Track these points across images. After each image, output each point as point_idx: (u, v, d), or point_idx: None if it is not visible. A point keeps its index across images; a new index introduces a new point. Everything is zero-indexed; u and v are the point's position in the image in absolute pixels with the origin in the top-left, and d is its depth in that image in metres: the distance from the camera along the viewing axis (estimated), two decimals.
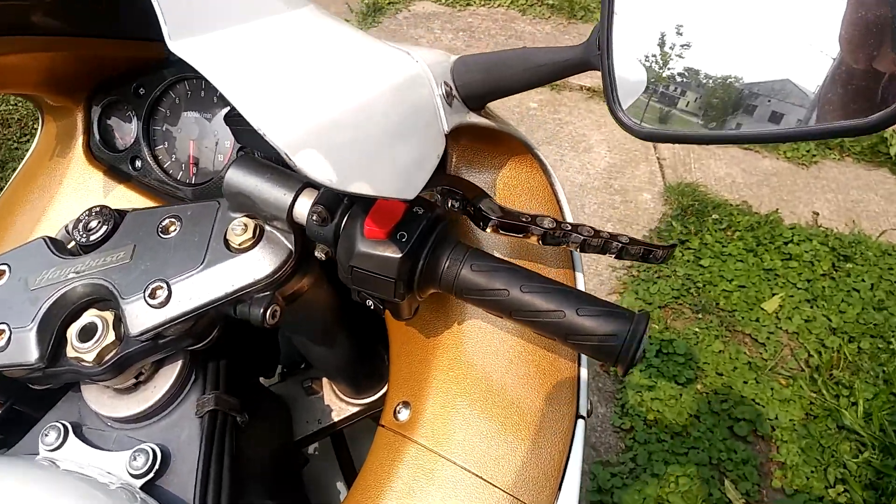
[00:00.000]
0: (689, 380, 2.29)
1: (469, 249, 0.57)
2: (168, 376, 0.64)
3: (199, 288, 0.58)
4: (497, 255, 0.71)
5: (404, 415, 0.67)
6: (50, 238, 0.65)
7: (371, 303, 0.58)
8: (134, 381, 0.64)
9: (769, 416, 2.20)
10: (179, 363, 0.65)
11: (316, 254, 0.59)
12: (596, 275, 2.61)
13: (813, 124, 0.49)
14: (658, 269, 2.59)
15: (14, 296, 0.60)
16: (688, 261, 2.64)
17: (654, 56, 0.56)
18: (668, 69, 0.56)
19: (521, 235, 0.64)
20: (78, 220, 0.64)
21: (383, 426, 0.68)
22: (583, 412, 0.68)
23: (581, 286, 0.72)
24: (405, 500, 0.63)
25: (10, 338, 0.58)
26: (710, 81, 0.55)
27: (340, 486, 0.97)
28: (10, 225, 0.88)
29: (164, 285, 0.58)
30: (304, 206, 0.57)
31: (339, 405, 0.89)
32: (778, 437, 2.15)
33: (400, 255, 0.54)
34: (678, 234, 2.72)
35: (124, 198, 0.82)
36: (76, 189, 0.87)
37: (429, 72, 0.61)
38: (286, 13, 0.53)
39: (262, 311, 0.59)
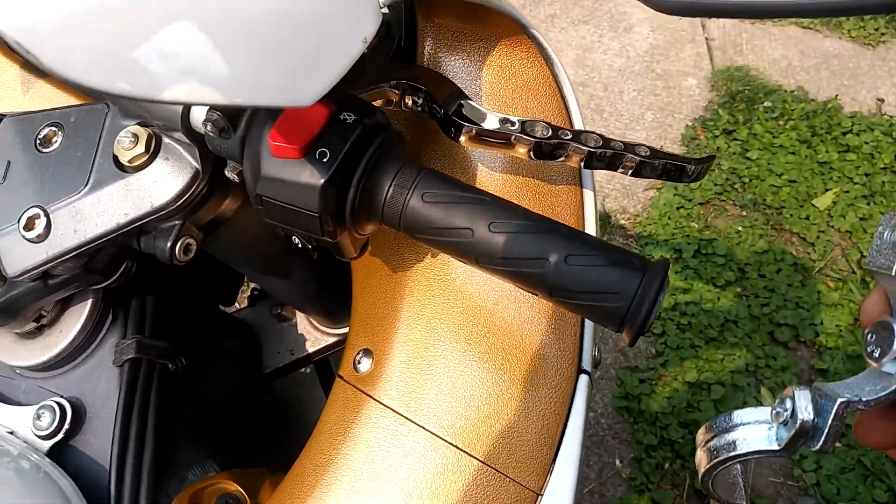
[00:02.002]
0: (729, 282, 2.15)
1: (421, 172, 0.43)
2: (76, 318, 0.54)
3: (84, 217, 0.46)
4: (468, 177, 0.56)
5: (365, 366, 0.56)
6: None
7: (298, 241, 0.45)
8: (35, 324, 0.53)
9: (814, 320, 2.05)
10: (90, 302, 0.54)
11: (227, 173, 0.46)
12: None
13: None
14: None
15: None
16: (734, 153, 2.42)
17: None
18: None
19: (504, 146, 0.49)
20: None
21: (341, 377, 0.57)
22: (587, 366, 0.56)
23: (590, 221, 0.57)
24: (363, 468, 0.52)
25: None
26: None
27: None
28: None
29: (42, 213, 0.46)
30: (201, 112, 0.43)
31: (314, 335, 0.79)
32: (822, 342, 2.02)
33: (321, 182, 0.40)
34: (724, 123, 2.49)
35: (46, 96, 0.69)
36: None
37: None
38: None
39: (168, 244, 0.47)
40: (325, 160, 0.40)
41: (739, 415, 0.33)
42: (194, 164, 0.46)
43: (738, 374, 1.97)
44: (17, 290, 0.49)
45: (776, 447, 0.32)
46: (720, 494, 0.37)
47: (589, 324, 0.56)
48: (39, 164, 0.48)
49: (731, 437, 0.33)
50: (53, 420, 0.51)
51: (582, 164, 0.49)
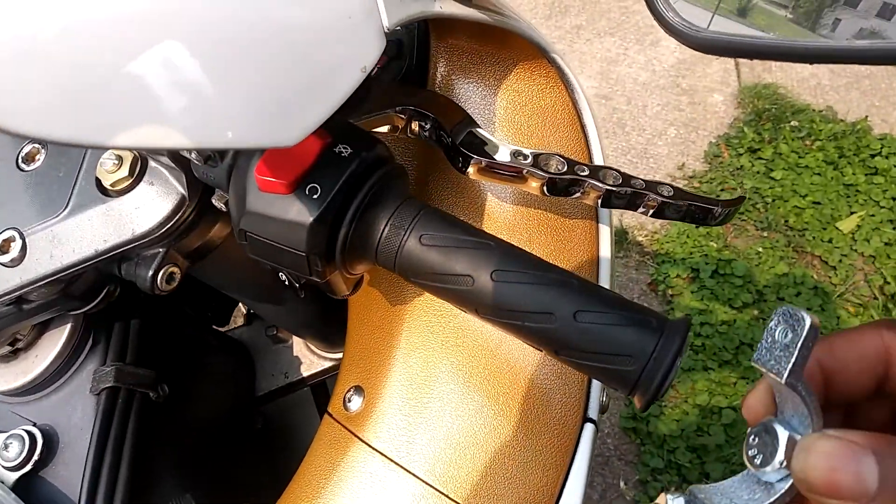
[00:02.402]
0: (746, 304, 2.09)
1: (421, 211, 0.40)
2: (53, 343, 0.51)
3: (61, 242, 0.43)
4: (476, 208, 0.53)
5: (356, 404, 0.53)
6: None
7: (284, 277, 0.42)
8: (10, 348, 0.50)
9: None
10: (68, 327, 0.51)
11: (214, 202, 0.43)
12: None
13: None
14: (722, 180, 2.34)
15: None
16: (758, 172, 2.37)
17: None
18: None
19: (515, 179, 0.46)
20: None
21: (330, 415, 0.54)
22: (593, 414, 0.52)
23: (605, 262, 0.54)
24: None
25: None
26: None
27: None
28: None
29: (17, 236, 0.43)
30: None
31: (310, 358, 0.76)
32: None
33: (310, 220, 0.37)
34: (749, 141, 2.43)
35: None
36: None
37: None
38: None
39: (150, 273, 0.44)
40: (315, 196, 0.37)
41: None
42: (180, 189, 0.43)
43: None
44: None
45: None
46: None
47: None
48: (19, 183, 0.45)
49: None
50: (22, 451, 0.48)
51: (599, 202, 0.45)
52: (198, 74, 0.24)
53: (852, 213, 2.27)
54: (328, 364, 0.75)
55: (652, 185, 0.44)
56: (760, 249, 2.21)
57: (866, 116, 2.49)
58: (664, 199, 0.44)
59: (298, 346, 0.76)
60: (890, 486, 0.24)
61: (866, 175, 2.35)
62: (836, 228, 2.25)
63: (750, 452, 0.29)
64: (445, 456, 0.49)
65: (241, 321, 0.79)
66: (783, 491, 0.27)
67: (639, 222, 2.25)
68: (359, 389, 0.53)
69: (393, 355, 0.52)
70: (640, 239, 2.23)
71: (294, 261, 0.38)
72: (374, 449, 0.50)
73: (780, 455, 0.27)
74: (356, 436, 0.51)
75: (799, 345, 0.27)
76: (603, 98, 2.64)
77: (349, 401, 0.53)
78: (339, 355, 0.75)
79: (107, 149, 0.24)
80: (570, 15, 2.95)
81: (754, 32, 0.36)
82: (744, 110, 2.56)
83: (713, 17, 0.38)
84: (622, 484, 1.84)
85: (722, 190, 2.31)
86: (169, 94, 0.23)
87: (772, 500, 0.28)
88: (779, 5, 0.46)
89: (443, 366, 0.51)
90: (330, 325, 0.69)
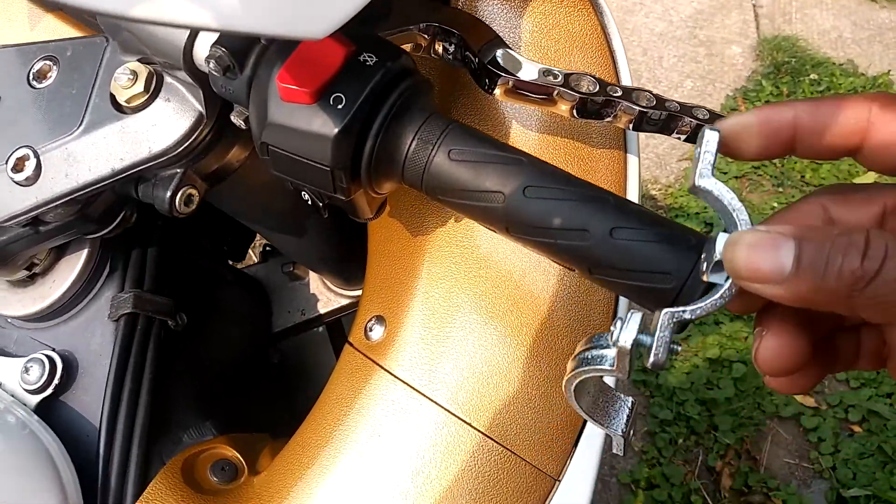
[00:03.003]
0: None
1: (449, 125, 0.38)
2: (70, 268, 0.50)
3: (76, 160, 0.42)
4: (500, 134, 0.51)
5: (377, 333, 0.52)
6: None
7: (307, 197, 0.41)
8: (27, 272, 0.50)
9: None
10: (85, 252, 0.51)
11: (233, 118, 0.41)
12: (649, 136, 2.34)
13: None
14: None
15: None
16: None
17: None
18: None
19: (545, 101, 0.44)
20: None
21: (351, 344, 0.53)
22: None
23: (633, 190, 0.52)
24: (370, 442, 0.49)
25: None
26: None
27: None
28: None
29: (32, 154, 0.42)
30: (206, 48, 0.38)
31: (326, 295, 0.75)
32: None
33: (334, 131, 0.35)
34: (767, 94, 2.39)
35: (53, 31, 0.65)
36: None
37: None
38: None
39: (168, 194, 0.43)
40: (340, 107, 0.35)
41: (603, 335, 0.33)
42: (198, 106, 0.42)
43: None
44: (5, 236, 0.45)
45: (608, 367, 0.32)
46: (581, 405, 0.37)
47: (623, 303, 0.51)
48: (31, 101, 0.44)
49: (586, 354, 0.33)
50: (42, 374, 0.48)
51: (630, 125, 0.44)
52: None
53: (868, 172, 2.23)
54: (345, 301, 0.75)
55: (687, 108, 0.43)
56: (775, 205, 2.19)
57: (888, 71, 2.44)
58: (699, 122, 0.42)
59: (315, 282, 0.75)
60: (804, 267, 0.26)
61: None
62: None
63: (703, 267, 0.32)
64: (468, 385, 0.49)
65: (256, 259, 0.79)
66: (725, 287, 0.30)
67: (652, 175, 2.23)
68: (380, 319, 0.52)
69: (415, 285, 0.52)
70: (654, 193, 2.21)
71: (318, 176, 0.37)
72: (396, 377, 0.50)
73: (717, 255, 0.30)
74: (378, 364, 0.50)
75: (701, 152, 0.31)
76: None
77: (370, 330, 0.52)
78: (357, 292, 0.74)
79: (126, 19, 0.22)
80: None
81: None
82: (762, 63, 2.50)
83: None
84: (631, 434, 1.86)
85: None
86: None
87: (716, 296, 0.30)
88: None
89: (465, 296, 0.51)
90: (348, 260, 0.68)
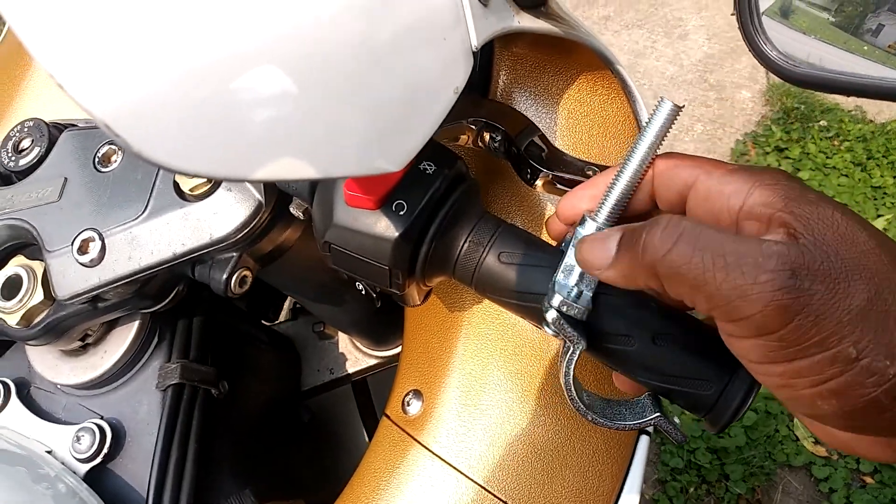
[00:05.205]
0: None
1: (499, 228, 0.40)
2: (122, 340, 0.52)
3: (140, 244, 0.44)
4: (536, 219, 0.53)
5: (415, 408, 0.53)
6: None
7: (362, 287, 0.43)
8: (80, 343, 0.51)
9: None
10: (136, 325, 0.52)
11: (292, 210, 0.43)
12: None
13: None
14: None
15: None
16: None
17: None
18: None
19: None
20: (8, 138, 0.50)
21: (388, 417, 0.54)
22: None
23: None
24: None
25: None
26: None
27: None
28: None
29: (97, 237, 0.44)
30: None
31: (355, 355, 0.76)
32: None
33: (395, 236, 0.37)
34: (777, 140, 2.41)
35: None
36: (34, 89, 0.70)
37: None
38: None
39: (224, 276, 0.45)
40: (401, 213, 0.37)
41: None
42: (257, 196, 0.44)
43: (771, 400, 1.92)
44: (65, 311, 0.47)
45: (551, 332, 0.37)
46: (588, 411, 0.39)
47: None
48: (97, 184, 0.46)
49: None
50: (93, 443, 0.49)
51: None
52: (328, 109, 0.25)
53: (879, 216, 2.25)
54: (373, 361, 0.76)
55: None
56: None
57: None
58: None
59: (344, 342, 0.77)
60: (622, 255, 0.33)
61: (895, 178, 2.33)
62: None
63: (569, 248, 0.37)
64: (504, 463, 0.50)
65: (286, 316, 0.80)
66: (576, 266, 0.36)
67: None
68: (417, 393, 0.54)
69: (451, 360, 0.53)
70: None
71: (376, 273, 0.39)
72: (433, 453, 0.51)
73: (572, 258, 0.36)
74: (416, 439, 0.52)
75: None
76: None
77: (408, 404, 0.54)
78: (385, 353, 0.76)
79: (247, 181, 0.24)
80: (598, 5, 2.93)
81: (854, 69, 0.36)
82: (772, 108, 2.54)
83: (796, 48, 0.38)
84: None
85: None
86: (305, 131, 0.24)
87: (577, 274, 0.36)
88: (821, 8, 0.46)
89: (500, 373, 0.52)
90: (380, 325, 0.70)
